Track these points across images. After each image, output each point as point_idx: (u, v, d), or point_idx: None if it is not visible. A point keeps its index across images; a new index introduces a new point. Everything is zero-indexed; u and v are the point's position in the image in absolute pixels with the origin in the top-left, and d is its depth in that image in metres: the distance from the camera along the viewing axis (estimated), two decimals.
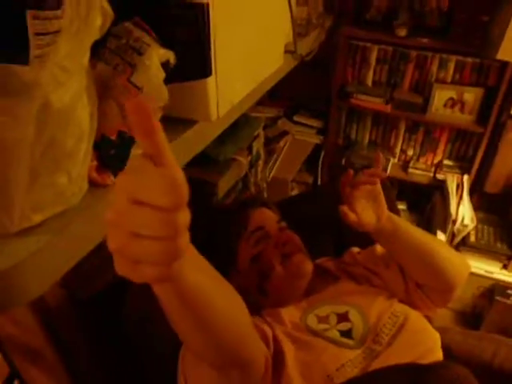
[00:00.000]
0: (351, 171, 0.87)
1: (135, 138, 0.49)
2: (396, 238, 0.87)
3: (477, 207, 1.83)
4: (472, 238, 1.72)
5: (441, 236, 1.72)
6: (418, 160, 2.04)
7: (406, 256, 0.91)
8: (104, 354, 0.96)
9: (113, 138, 0.69)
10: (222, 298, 0.53)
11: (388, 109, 1.88)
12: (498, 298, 1.62)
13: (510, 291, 1.64)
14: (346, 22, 1.86)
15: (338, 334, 0.84)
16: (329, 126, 2.07)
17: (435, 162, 2.02)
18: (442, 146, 1.98)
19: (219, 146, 1.33)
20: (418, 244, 0.87)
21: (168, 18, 0.71)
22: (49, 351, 0.97)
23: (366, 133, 2.09)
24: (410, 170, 1.99)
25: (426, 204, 1.99)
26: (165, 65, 0.70)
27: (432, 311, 0.94)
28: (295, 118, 2.08)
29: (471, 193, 1.84)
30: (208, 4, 0.70)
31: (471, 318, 1.72)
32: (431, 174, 1.97)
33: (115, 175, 0.71)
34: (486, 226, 1.79)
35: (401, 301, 0.93)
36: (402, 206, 2.02)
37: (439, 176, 1.93)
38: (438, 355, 0.85)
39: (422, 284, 0.93)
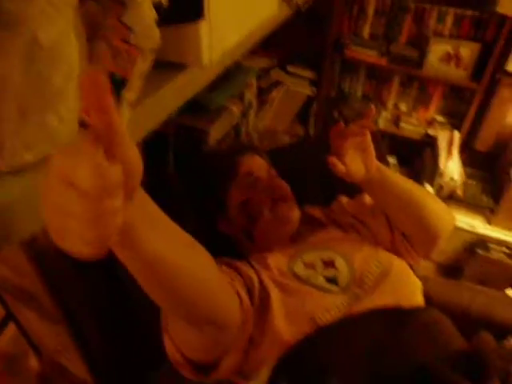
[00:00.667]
0: (341, 123, 0.86)
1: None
2: (384, 188, 0.88)
3: (466, 163, 1.85)
4: (459, 192, 1.75)
5: (428, 189, 1.75)
6: (410, 115, 2.04)
7: (393, 206, 0.92)
8: (96, 297, 0.99)
9: None
10: (184, 259, 0.52)
11: (383, 62, 1.85)
12: (479, 251, 1.67)
13: (490, 245, 1.70)
14: None
15: (323, 280, 0.86)
16: (322, 78, 2.04)
17: (427, 117, 2.01)
18: (435, 102, 1.97)
19: (210, 94, 1.31)
20: (406, 195, 0.88)
21: None
22: (42, 294, 1.00)
23: (359, 86, 2.07)
24: (402, 125, 1.99)
25: (416, 159, 2.01)
26: (156, 6, 0.68)
27: (415, 261, 0.97)
28: (289, 69, 2.04)
29: (461, 149, 1.86)
30: None
31: (452, 271, 1.78)
32: (423, 130, 1.97)
33: None
34: (473, 181, 1.82)
35: (386, 249, 0.95)
36: (392, 160, 2.04)
37: (430, 132, 1.94)
38: (420, 301, 0.89)
39: (407, 234, 0.95)
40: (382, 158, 1.26)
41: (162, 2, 0.67)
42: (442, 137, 1.85)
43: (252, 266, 0.89)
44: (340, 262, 0.89)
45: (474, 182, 1.82)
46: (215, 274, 0.61)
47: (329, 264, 0.89)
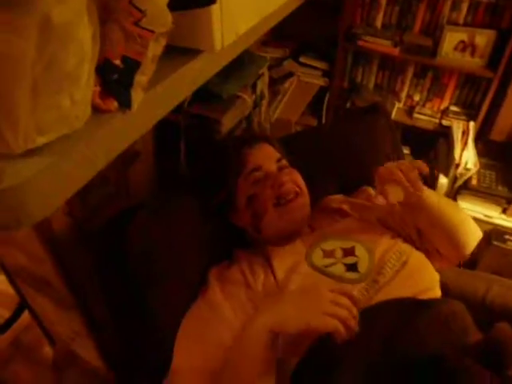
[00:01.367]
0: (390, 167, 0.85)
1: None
2: (425, 213, 0.88)
3: (481, 154, 1.82)
4: (474, 182, 1.72)
5: (443, 180, 1.73)
6: (423, 105, 2.01)
7: (430, 228, 0.91)
8: (108, 284, 1.00)
9: (116, 62, 0.68)
10: None
11: (396, 52, 1.83)
12: (494, 242, 1.65)
13: (507, 236, 1.67)
14: None
15: (343, 268, 0.86)
16: (335, 69, 2.02)
17: (441, 107, 1.99)
18: (449, 92, 1.95)
19: (223, 83, 1.31)
20: (444, 219, 0.88)
21: None
22: (55, 279, 1.01)
23: (371, 76, 2.05)
24: (416, 116, 1.97)
25: (430, 150, 1.98)
26: None
27: (440, 264, 0.97)
28: (301, 59, 2.03)
29: (476, 140, 1.83)
30: None
31: (467, 261, 1.75)
32: (437, 120, 1.95)
33: (119, 101, 0.70)
34: (488, 171, 1.79)
35: (407, 241, 0.95)
36: (405, 151, 2.01)
37: (445, 122, 1.91)
38: (437, 293, 0.89)
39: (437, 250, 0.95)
40: (396, 148, 1.25)
41: None
42: (457, 127, 1.82)
43: (269, 262, 0.89)
44: (360, 250, 0.89)
45: (490, 172, 1.79)
46: None
47: (349, 252, 0.89)
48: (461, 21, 1.77)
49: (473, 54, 1.77)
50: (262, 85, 1.60)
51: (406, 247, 0.92)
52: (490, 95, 1.80)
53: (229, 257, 0.95)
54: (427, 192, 0.86)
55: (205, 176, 0.99)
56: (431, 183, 1.75)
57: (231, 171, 0.94)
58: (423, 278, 0.88)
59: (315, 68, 2.04)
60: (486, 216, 1.71)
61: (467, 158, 1.71)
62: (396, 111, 2.00)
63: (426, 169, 0.82)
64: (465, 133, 1.80)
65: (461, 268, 1.20)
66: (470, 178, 1.73)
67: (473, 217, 1.66)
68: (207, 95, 1.26)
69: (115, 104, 0.70)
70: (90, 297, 1.06)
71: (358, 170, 1.15)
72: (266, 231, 0.93)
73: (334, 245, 0.91)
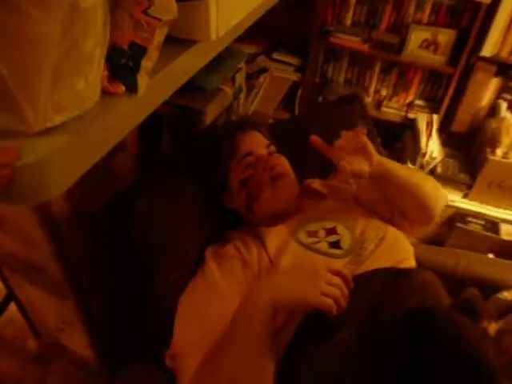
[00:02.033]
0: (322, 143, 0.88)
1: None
2: (387, 179, 0.92)
3: (444, 144, 1.95)
4: (439, 170, 1.85)
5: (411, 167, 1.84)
6: (390, 99, 2.13)
7: (395, 193, 0.97)
8: (106, 267, 1.03)
9: (124, 48, 0.72)
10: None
11: (365, 48, 1.93)
12: (458, 224, 1.78)
13: (468, 218, 1.81)
14: None
15: (326, 245, 0.93)
16: (307, 64, 2.11)
17: (407, 101, 2.11)
18: (414, 87, 2.07)
19: (205, 76, 1.35)
20: (407, 182, 0.94)
21: None
22: (51, 264, 1.02)
23: (342, 72, 2.15)
24: (383, 109, 2.08)
25: (397, 141, 2.10)
26: None
27: (412, 234, 1.05)
28: (274, 56, 2.10)
29: (440, 131, 1.96)
30: None
31: (435, 241, 1.87)
32: (403, 113, 2.06)
33: (126, 85, 0.74)
34: (451, 160, 1.93)
35: (382, 218, 1.02)
36: None
37: (410, 115, 2.03)
38: (413, 263, 0.97)
39: (407, 215, 1.02)
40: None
41: None
42: (422, 119, 1.95)
43: (261, 240, 0.94)
44: (341, 229, 0.96)
45: (453, 161, 1.93)
46: None
47: (331, 231, 0.96)
48: (425, 20, 1.89)
49: (435, 51, 1.90)
50: (241, 78, 1.66)
51: (381, 224, 0.99)
52: (451, 90, 1.93)
53: (222, 239, 1.00)
54: (381, 158, 0.89)
55: (199, 161, 1.04)
56: None
57: (225, 157, 0.99)
58: (400, 250, 0.96)
59: (288, 64, 2.12)
60: (449, 200, 1.85)
61: (432, 147, 1.83)
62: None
63: (363, 131, 0.86)
64: (429, 124, 1.93)
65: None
66: (435, 166, 1.86)
67: None
68: (190, 87, 1.30)
69: (122, 88, 0.73)
70: (85, 283, 1.07)
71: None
72: (259, 211, 0.99)
73: (316, 226, 0.97)
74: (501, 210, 1.87)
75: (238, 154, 0.99)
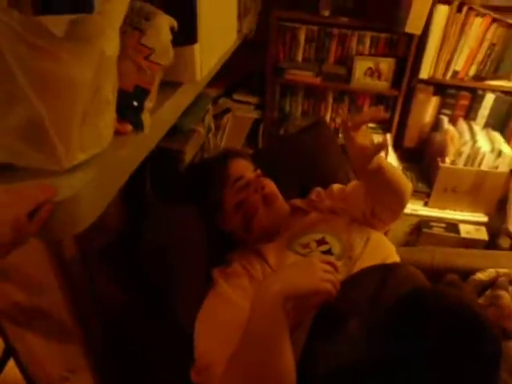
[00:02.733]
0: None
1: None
2: (381, 171, 1.04)
3: (400, 159, 2.13)
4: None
5: None
6: None
7: (383, 185, 1.08)
8: (109, 308, 1.06)
9: (130, 91, 0.81)
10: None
11: (318, 81, 2.12)
12: (424, 230, 1.93)
13: (432, 223, 1.98)
14: (276, 5, 2.06)
15: (320, 254, 1.03)
16: (265, 101, 2.26)
17: None
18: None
19: (182, 118, 1.45)
20: (393, 176, 1.07)
21: None
22: (61, 311, 1.03)
23: (298, 105, 2.32)
24: (340, 135, 2.25)
25: None
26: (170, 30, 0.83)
27: (384, 229, 1.18)
28: (235, 96, 2.24)
29: (394, 148, 2.14)
30: None
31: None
32: None
33: (132, 124, 0.83)
34: (408, 172, 2.11)
35: (360, 223, 1.14)
36: None
37: None
38: (397, 259, 1.08)
39: (377, 211, 1.14)
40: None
41: (173, 26, 0.83)
42: (377, 139, 2.12)
43: (261, 255, 1.03)
44: (329, 238, 1.07)
45: (410, 173, 2.12)
46: None
47: (321, 242, 1.06)
48: (366, 52, 2.11)
49: (379, 77, 2.11)
50: (209, 119, 1.77)
51: (363, 228, 1.11)
52: (398, 110, 2.14)
53: (224, 260, 1.08)
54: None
55: (192, 191, 1.12)
56: None
57: (217, 183, 1.08)
58: (384, 248, 1.08)
59: (248, 103, 2.26)
60: (413, 210, 2.01)
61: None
62: None
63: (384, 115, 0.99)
64: None
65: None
66: None
67: (404, 213, 1.96)
68: (169, 129, 1.39)
69: (130, 127, 0.82)
70: (91, 325, 1.09)
71: (312, 175, 1.34)
72: (255, 230, 1.07)
73: (307, 239, 1.07)
74: (458, 213, 2.06)
75: (229, 179, 1.08)
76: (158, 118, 0.89)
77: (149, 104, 0.84)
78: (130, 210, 1.31)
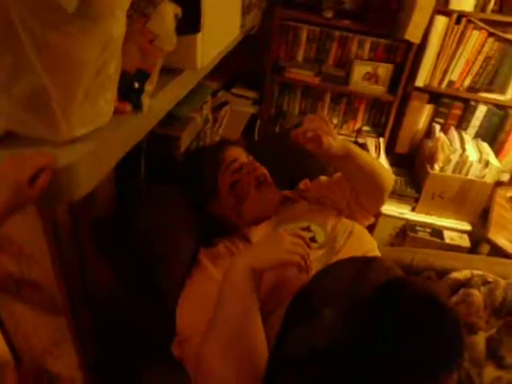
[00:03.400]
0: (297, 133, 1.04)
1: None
2: (351, 158, 1.08)
3: (391, 164, 2.18)
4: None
5: None
6: (341, 127, 2.35)
7: (356, 171, 1.13)
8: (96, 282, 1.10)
9: (132, 73, 0.84)
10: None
11: (317, 81, 2.16)
12: (409, 233, 1.98)
13: (417, 227, 2.03)
14: (280, 3, 2.10)
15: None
16: (263, 98, 2.30)
17: (356, 128, 2.34)
18: (361, 114, 2.31)
19: (179, 106, 1.49)
20: (365, 161, 1.12)
21: None
22: (51, 281, 1.05)
23: (296, 103, 2.36)
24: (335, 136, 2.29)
25: None
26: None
27: (368, 220, 1.22)
28: (233, 90, 2.28)
29: (386, 152, 2.19)
30: None
31: None
32: (353, 139, 2.29)
33: (133, 105, 0.86)
34: (398, 177, 2.16)
35: (345, 216, 1.18)
36: None
37: (360, 140, 2.26)
38: (378, 253, 1.12)
39: (361, 199, 1.18)
40: None
41: (178, 14, 0.86)
42: (370, 143, 2.18)
43: (245, 237, 1.07)
44: (315, 227, 1.10)
45: (400, 178, 2.17)
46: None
47: (306, 229, 1.10)
48: (365, 56, 2.15)
49: (376, 82, 2.15)
50: (207, 109, 1.81)
51: (348, 221, 1.15)
52: (392, 115, 2.19)
53: (210, 243, 1.11)
54: (343, 141, 1.07)
55: (186, 177, 1.16)
56: None
57: (212, 167, 1.13)
58: (366, 242, 1.12)
59: (246, 97, 2.30)
60: (399, 213, 2.06)
61: None
62: None
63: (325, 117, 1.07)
64: (377, 147, 2.16)
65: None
66: None
67: (389, 214, 2.01)
68: (166, 117, 1.43)
69: (130, 107, 0.86)
70: (77, 298, 1.12)
71: (301, 171, 1.39)
72: (246, 213, 1.12)
73: (292, 226, 1.11)
74: (443, 219, 2.11)
75: (223, 163, 1.14)
76: (157, 101, 0.93)
77: (149, 87, 0.88)
78: (121, 193, 1.34)
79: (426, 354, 0.62)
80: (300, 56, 2.20)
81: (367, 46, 2.13)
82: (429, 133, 2.23)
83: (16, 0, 0.58)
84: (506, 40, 1.93)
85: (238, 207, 1.12)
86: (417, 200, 2.07)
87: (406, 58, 2.07)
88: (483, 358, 0.85)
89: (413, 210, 2.09)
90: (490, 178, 1.99)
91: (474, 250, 2.01)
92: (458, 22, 1.93)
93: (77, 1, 0.58)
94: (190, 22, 0.95)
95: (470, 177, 2.00)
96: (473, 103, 2.11)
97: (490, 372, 0.83)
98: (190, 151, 1.33)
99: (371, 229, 1.88)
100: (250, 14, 1.73)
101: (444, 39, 1.96)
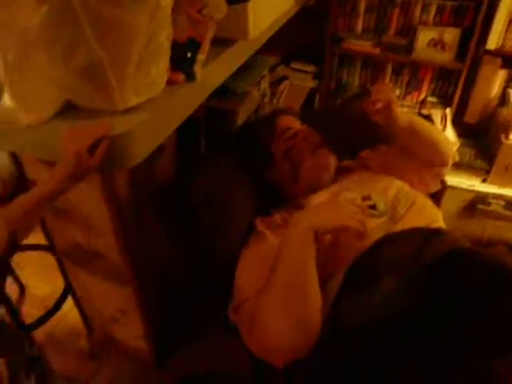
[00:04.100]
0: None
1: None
2: (414, 127, 1.11)
3: (459, 135, 2.05)
4: (456, 158, 1.94)
5: None
6: (404, 98, 2.24)
7: (417, 143, 1.14)
8: (159, 252, 1.14)
9: (183, 43, 0.85)
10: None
11: (377, 51, 2.07)
12: (480, 206, 1.86)
13: (490, 200, 1.89)
14: None
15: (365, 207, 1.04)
16: (323, 71, 2.25)
17: (420, 99, 2.22)
18: (426, 85, 2.19)
19: (236, 81, 1.49)
20: (427, 133, 1.12)
21: None
22: (115, 252, 1.11)
23: (355, 76, 2.28)
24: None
25: None
26: None
27: (430, 189, 1.17)
28: (293, 65, 2.25)
29: (453, 123, 2.06)
30: None
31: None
32: (416, 110, 2.18)
33: (186, 75, 0.88)
34: (467, 149, 2.04)
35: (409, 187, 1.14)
36: None
37: (424, 111, 2.14)
38: (442, 225, 1.07)
39: (421, 171, 1.14)
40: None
41: None
42: (436, 114, 2.06)
43: (302, 207, 1.06)
44: (375, 196, 1.08)
45: (469, 150, 2.04)
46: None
47: (366, 198, 1.08)
48: (430, 21, 2.03)
49: (443, 49, 2.02)
50: (265, 84, 1.80)
51: (411, 189, 1.12)
52: (461, 84, 2.05)
53: (267, 213, 1.12)
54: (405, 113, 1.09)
55: (244, 145, 1.18)
56: None
57: (267, 135, 1.15)
58: (429, 214, 1.07)
59: (305, 72, 2.26)
60: (468, 185, 1.93)
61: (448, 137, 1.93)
62: None
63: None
64: (443, 118, 2.04)
65: None
66: None
67: (458, 186, 1.90)
68: (223, 92, 1.44)
69: (182, 77, 0.87)
70: (142, 268, 1.17)
71: (360, 138, 1.34)
72: (303, 178, 1.12)
73: (353, 194, 1.09)
74: None
75: (278, 130, 1.16)
76: (210, 72, 0.94)
77: (201, 56, 0.89)
78: (181, 167, 1.38)
79: (494, 329, 0.58)
80: (359, 27, 2.11)
81: (432, 10, 2.00)
82: (503, 100, 2.06)
83: None
84: None
85: (293, 172, 1.12)
86: (488, 172, 1.93)
87: (475, 20, 1.92)
88: None
89: (484, 181, 1.95)
90: None
91: None
92: None
93: None
94: None
95: None
96: None
97: None
98: (244, 123, 1.34)
99: (437, 201, 1.79)
100: None
101: None
